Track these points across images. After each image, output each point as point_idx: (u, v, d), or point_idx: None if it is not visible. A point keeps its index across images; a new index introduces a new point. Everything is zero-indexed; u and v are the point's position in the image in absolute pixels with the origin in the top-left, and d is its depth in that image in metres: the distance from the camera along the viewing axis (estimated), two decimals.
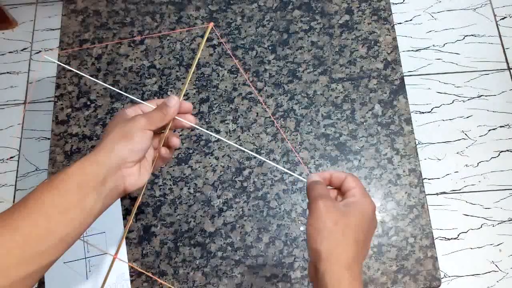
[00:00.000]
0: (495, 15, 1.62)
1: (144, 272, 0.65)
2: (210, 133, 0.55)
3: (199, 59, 0.77)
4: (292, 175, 0.69)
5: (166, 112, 0.46)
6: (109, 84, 0.76)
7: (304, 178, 0.46)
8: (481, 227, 1.36)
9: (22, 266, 0.36)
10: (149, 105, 0.48)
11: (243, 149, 0.51)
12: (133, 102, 0.75)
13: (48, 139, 1.48)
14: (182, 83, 0.76)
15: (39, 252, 0.36)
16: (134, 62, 0.78)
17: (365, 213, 0.42)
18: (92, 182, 0.40)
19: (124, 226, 0.67)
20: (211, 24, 0.50)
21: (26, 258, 0.36)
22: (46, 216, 0.37)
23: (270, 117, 0.73)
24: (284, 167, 0.70)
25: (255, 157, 0.71)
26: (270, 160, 0.70)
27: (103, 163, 0.41)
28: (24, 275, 0.36)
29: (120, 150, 0.42)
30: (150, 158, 0.48)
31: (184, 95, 0.75)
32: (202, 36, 0.79)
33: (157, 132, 0.50)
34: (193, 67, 0.49)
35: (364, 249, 0.41)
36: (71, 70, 0.78)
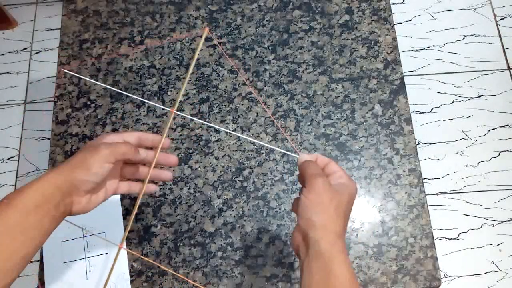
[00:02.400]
0: (495, 15, 1.62)
1: (153, 262, 0.65)
2: (222, 129, 0.55)
3: (198, 59, 0.77)
4: (288, 173, 0.69)
5: (132, 153, 0.47)
6: (109, 85, 0.76)
7: (295, 155, 0.51)
8: (481, 227, 1.36)
9: None
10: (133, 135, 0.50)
11: (252, 140, 0.52)
12: (133, 102, 0.75)
13: (48, 139, 1.48)
14: (182, 83, 0.76)
15: (4, 271, 0.38)
16: (134, 62, 0.78)
17: (352, 194, 0.46)
18: (48, 204, 0.41)
19: (124, 226, 0.67)
20: (206, 30, 0.50)
21: None
22: (11, 236, 0.39)
23: (270, 117, 0.73)
24: (284, 167, 0.70)
25: (255, 157, 0.71)
26: (270, 160, 0.70)
27: (59, 187, 0.42)
28: None
29: (75, 178, 0.43)
30: (110, 187, 0.50)
31: (184, 95, 0.75)
32: (201, 36, 0.79)
33: (125, 163, 0.51)
34: (189, 73, 0.49)
35: (347, 224, 0.46)
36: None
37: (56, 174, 0.43)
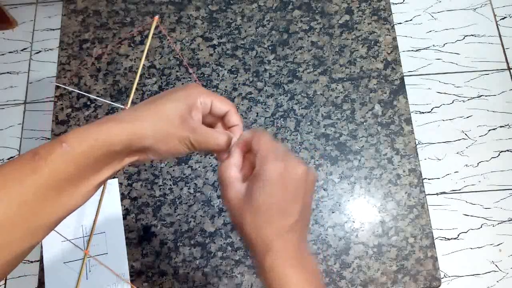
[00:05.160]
0: (495, 15, 1.62)
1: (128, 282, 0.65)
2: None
3: (198, 59, 0.77)
4: None
5: (219, 146, 0.39)
6: (109, 84, 0.76)
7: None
8: (481, 227, 1.37)
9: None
10: None
11: None
12: (133, 102, 0.75)
13: (48, 139, 1.48)
14: (182, 83, 0.76)
15: (52, 223, 0.33)
16: (134, 62, 0.78)
17: (269, 183, 0.35)
18: (113, 158, 0.36)
19: (124, 226, 0.67)
20: (156, 18, 0.48)
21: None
22: (59, 189, 0.34)
23: (270, 117, 0.73)
24: None
25: None
26: None
27: (128, 145, 0.35)
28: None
29: (148, 142, 0.35)
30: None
31: None
32: (201, 36, 0.79)
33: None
34: (141, 65, 0.48)
35: (293, 212, 0.36)
36: (71, 71, 0.78)
37: (128, 129, 0.34)
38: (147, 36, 0.80)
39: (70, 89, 0.63)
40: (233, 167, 0.39)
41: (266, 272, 0.35)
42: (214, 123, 0.42)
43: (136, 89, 0.76)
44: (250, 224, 0.35)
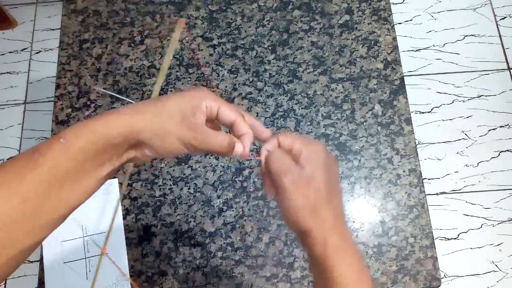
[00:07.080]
0: (495, 15, 1.62)
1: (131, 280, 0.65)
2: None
3: (198, 59, 0.77)
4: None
5: (222, 151, 0.38)
6: (109, 84, 0.76)
7: (257, 158, 0.42)
8: (481, 227, 1.37)
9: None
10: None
11: None
12: (133, 102, 0.75)
13: (48, 139, 1.48)
14: (182, 83, 0.76)
15: (50, 222, 0.33)
16: (134, 62, 0.78)
17: (320, 161, 0.39)
18: (112, 152, 0.36)
19: (124, 225, 0.67)
20: (182, 21, 0.48)
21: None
22: (59, 184, 0.34)
23: (270, 117, 0.73)
24: None
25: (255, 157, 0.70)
26: None
27: (126, 137, 0.35)
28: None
29: (146, 141, 0.35)
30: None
31: None
32: (201, 36, 0.79)
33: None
34: (167, 63, 0.48)
35: (337, 201, 0.40)
36: (71, 70, 0.78)
37: (130, 120, 0.34)
38: (147, 37, 0.80)
39: (109, 92, 0.63)
40: (279, 152, 0.40)
41: (333, 254, 0.37)
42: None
43: (136, 89, 0.76)
44: (315, 202, 0.37)
